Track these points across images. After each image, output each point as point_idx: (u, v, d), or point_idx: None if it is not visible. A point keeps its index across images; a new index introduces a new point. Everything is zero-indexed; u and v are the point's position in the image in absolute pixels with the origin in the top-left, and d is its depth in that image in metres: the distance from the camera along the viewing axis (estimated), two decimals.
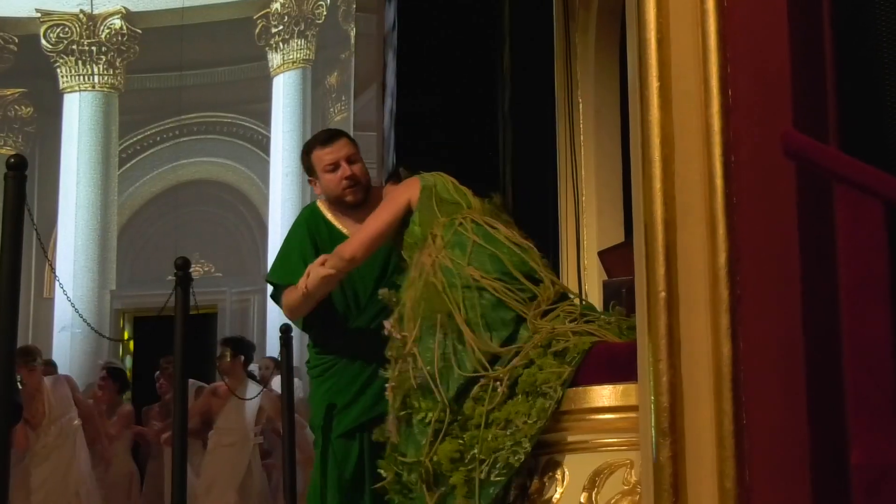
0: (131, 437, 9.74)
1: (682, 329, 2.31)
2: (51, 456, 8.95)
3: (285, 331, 7.62)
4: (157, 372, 9.92)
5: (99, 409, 9.54)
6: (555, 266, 5.59)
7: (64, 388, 9.31)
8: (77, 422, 9.20)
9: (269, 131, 14.03)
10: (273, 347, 10.45)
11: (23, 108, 14.83)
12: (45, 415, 9.00)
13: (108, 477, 9.44)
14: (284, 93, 13.86)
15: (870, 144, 2.39)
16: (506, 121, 6.98)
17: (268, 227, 13.73)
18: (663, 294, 2.33)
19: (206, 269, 14.06)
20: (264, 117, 14.10)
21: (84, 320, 5.40)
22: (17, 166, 3.97)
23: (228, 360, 8.62)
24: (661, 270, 2.34)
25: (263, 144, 14.19)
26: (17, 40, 14.72)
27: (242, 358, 8.84)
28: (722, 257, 2.27)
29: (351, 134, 13.18)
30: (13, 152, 13.83)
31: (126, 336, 13.55)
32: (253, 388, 8.54)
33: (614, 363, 2.73)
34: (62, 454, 8.95)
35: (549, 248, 5.67)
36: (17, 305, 3.68)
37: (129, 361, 13.57)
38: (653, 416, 2.30)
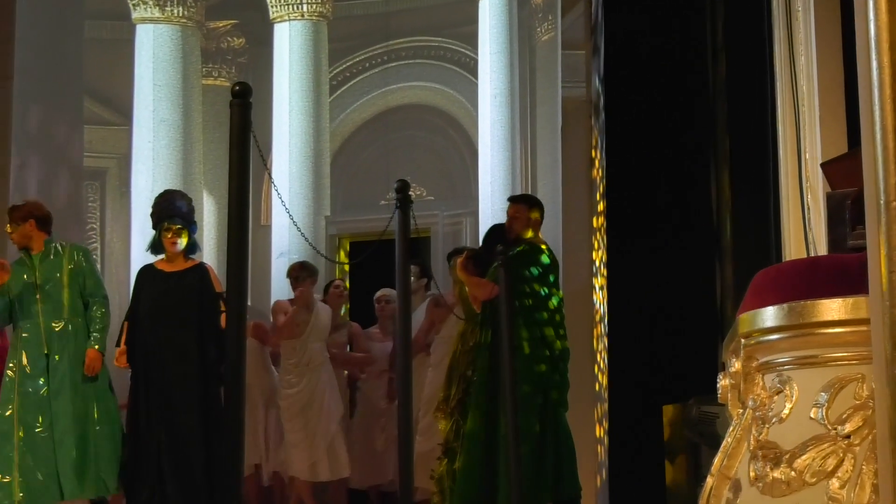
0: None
1: None
2: (301, 382, 9.17)
3: (503, 252, 7.26)
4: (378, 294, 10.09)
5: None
6: (774, 180, 5.49)
7: (328, 318, 9.57)
8: (327, 354, 9.43)
9: (476, 54, 14.03)
10: None
11: (234, 39, 15.11)
12: (309, 330, 9.26)
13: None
14: (490, 14, 13.81)
15: None
16: (717, 29, 6.84)
17: (477, 149, 13.78)
18: (895, 204, 2.26)
19: (418, 192, 14.21)
20: (471, 40, 14.09)
21: (309, 242, 5.54)
22: (242, 94, 4.04)
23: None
24: (892, 180, 2.27)
25: (471, 67, 14.20)
26: None
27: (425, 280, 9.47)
28: None
29: (559, 53, 13.00)
30: (227, 84, 14.19)
31: (345, 259, 13.78)
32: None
33: (844, 275, 2.67)
34: (310, 381, 9.19)
35: (769, 162, 5.57)
36: (247, 230, 3.77)
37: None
38: (885, 328, 2.25)
